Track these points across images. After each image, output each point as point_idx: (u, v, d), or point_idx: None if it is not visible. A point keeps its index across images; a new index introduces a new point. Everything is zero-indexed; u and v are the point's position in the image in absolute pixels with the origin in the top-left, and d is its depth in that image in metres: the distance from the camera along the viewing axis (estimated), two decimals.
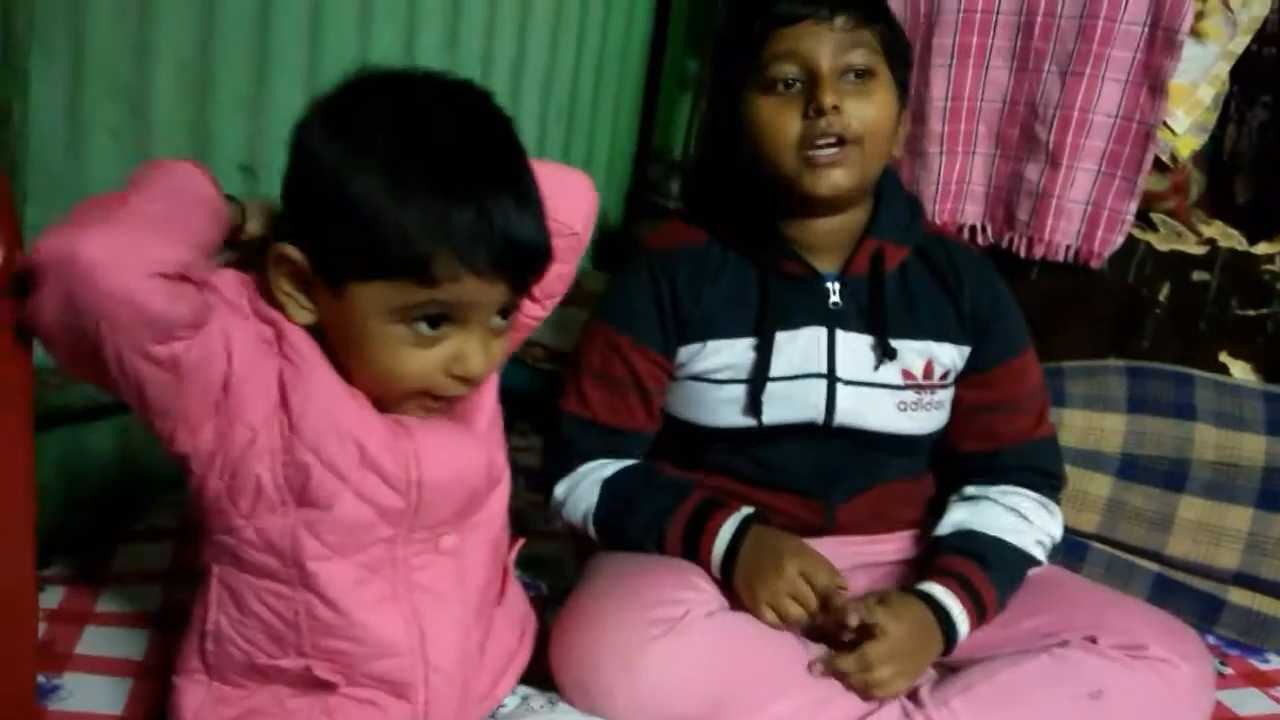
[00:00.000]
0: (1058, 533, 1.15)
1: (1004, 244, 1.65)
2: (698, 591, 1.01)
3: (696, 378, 1.11)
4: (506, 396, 1.74)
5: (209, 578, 0.83)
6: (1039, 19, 1.57)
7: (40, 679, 0.96)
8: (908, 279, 1.13)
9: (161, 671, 1.00)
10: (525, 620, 1.01)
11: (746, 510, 1.08)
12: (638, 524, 1.08)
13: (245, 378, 0.73)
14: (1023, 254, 1.63)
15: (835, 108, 1.02)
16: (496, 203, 0.72)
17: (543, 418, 1.74)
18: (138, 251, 0.64)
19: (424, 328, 0.74)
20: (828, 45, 1.03)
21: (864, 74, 1.04)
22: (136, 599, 1.13)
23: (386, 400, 0.79)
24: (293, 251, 0.74)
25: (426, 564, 0.84)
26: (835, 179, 1.04)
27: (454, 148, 0.73)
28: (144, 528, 1.29)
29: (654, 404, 1.13)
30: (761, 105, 1.05)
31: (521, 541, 0.96)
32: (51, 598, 1.11)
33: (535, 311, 0.96)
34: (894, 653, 0.99)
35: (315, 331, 0.78)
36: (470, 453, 0.84)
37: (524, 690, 0.99)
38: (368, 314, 0.74)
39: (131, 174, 0.72)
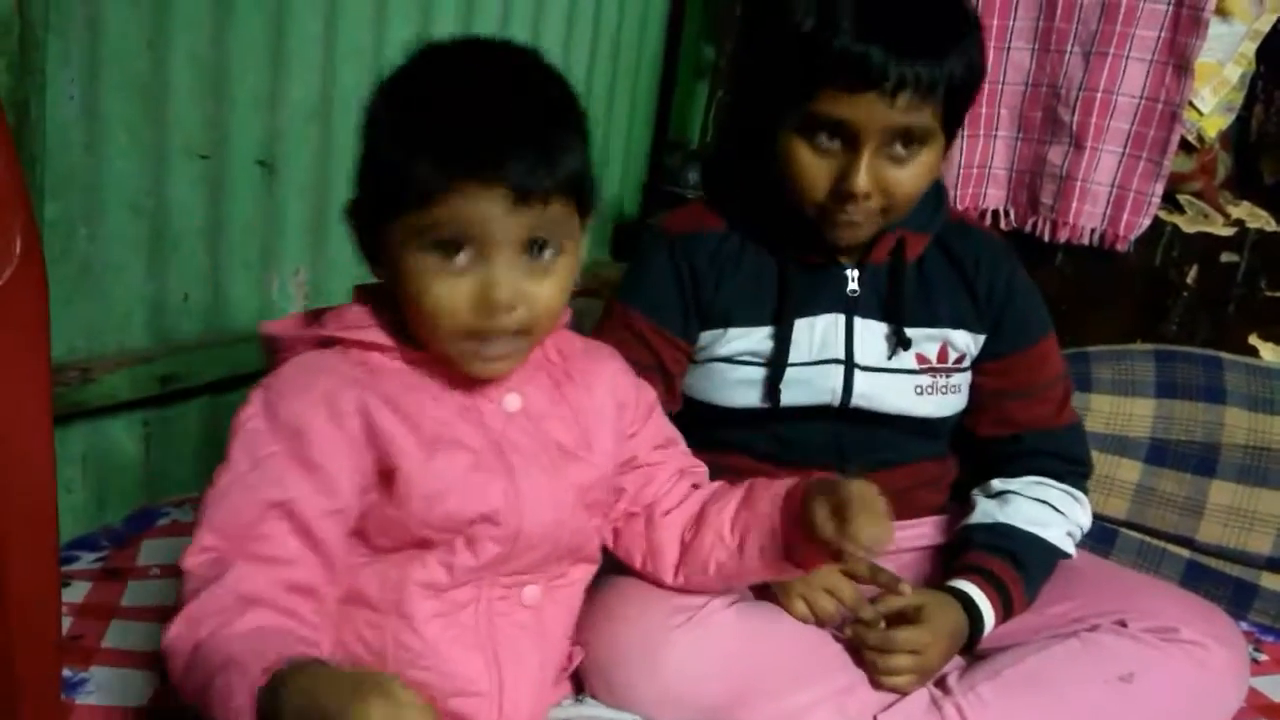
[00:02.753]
0: (1087, 523, 1.14)
1: (1028, 228, 1.64)
2: None
3: (716, 360, 1.11)
4: None
5: None
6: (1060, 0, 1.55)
7: (67, 672, 0.96)
8: (925, 265, 1.11)
9: None
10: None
11: None
12: None
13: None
14: (1047, 238, 1.62)
15: (867, 195, 0.98)
16: (484, 114, 0.74)
17: None
18: None
19: (441, 255, 0.75)
20: (879, 121, 0.94)
21: (912, 143, 0.98)
22: (161, 593, 1.13)
23: (446, 350, 0.79)
24: (353, 209, 0.81)
25: (508, 611, 0.84)
26: (854, 235, 1.04)
27: (460, 90, 0.76)
28: (168, 522, 1.30)
29: (676, 386, 1.13)
30: (798, 149, 1.00)
31: (582, 655, 0.95)
32: (77, 592, 1.12)
33: None
34: (921, 666, 0.98)
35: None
36: (569, 506, 0.84)
37: None
38: (401, 253, 0.76)
39: None
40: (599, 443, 0.88)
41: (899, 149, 0.98)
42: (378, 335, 0.81)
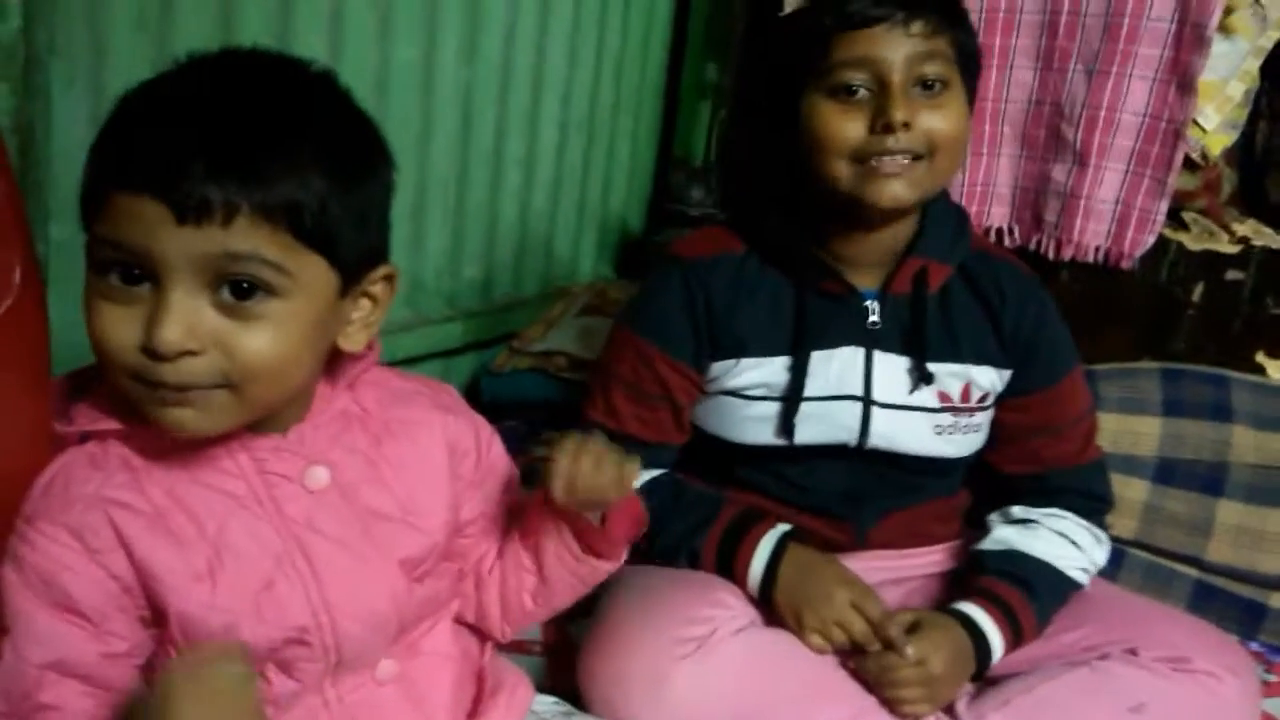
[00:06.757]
0: (1102, 560, 1.12)
1: (1032, 246, 1.63)
2: (725, 609, 0.99)
3: (728, 393, 1.08)
4: (530, 407, 1.75)
5: None
6: (1063, 18, 1.55)
7: None
8: (949, 298, 1.08)
9: None
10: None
11: (784, 526, 1.06)
12: (670, 538, 1.06)
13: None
14: (1051, 256, 1.61)
15: (906, 124, 0.95)
16: (159, 115, 0.63)
17: (567, 428, 1.74)
18: None
19: (115, 279, 0.63)
20: (901, 53, 0.96)
21: (936, 84, 0.98)
22: None
23: (128, 397, 0.65)
24: None
25: (368, 697, 0.74)
26: (897, 191, 0.98)
27: (158, 93, 0.65)
28: None
29: (684, 417, 1.11)
30: (824, 110, 0.99)
31: (490, 646, 0.88)
32: None
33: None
34: (927, 680, 0.97)
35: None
36: (400, 591, 0.74)
37: (541, 705, 0.92)
38: (87, 277, 0.65)
39: None
40: (429, 504, 0.76)
41: (922, 90, 0.98)
42: (113, 422, 0.68)
